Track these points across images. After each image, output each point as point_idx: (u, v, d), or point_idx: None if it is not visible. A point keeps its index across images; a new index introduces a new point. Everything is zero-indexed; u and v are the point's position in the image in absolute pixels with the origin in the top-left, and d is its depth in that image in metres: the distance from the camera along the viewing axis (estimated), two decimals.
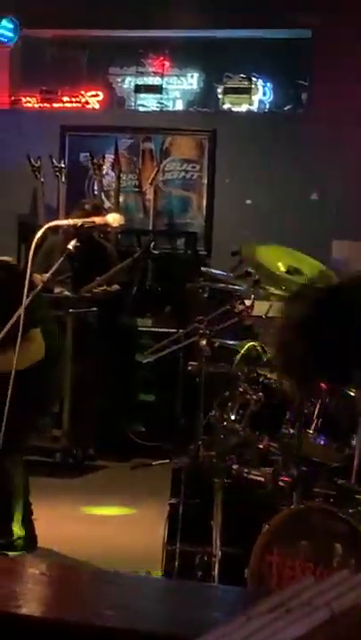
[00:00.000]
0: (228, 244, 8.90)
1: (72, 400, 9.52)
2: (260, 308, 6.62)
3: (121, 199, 11.61)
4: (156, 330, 10.11)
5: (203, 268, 8.25)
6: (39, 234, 5.17)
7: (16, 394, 5.09)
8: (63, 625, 1.86)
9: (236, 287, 6.76)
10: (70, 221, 5.65)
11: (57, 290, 9.55)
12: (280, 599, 1.82)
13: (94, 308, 9.89)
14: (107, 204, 11.31)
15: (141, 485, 8.45)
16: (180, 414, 8.75)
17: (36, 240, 5.15)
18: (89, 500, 8.42)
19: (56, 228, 5.49)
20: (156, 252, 11.01)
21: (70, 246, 5.35)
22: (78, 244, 5.41)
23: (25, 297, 4.98)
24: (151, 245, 10.96)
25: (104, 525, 7.99)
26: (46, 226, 5.26)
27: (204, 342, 6.42)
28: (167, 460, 6.65)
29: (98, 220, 5.89)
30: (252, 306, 6.59)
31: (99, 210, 9.62)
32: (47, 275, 5.60)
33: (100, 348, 10.04)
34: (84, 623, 1.81)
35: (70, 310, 9.42)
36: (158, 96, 12.11)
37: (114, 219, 6.03)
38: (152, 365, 9.71)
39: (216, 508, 5.91)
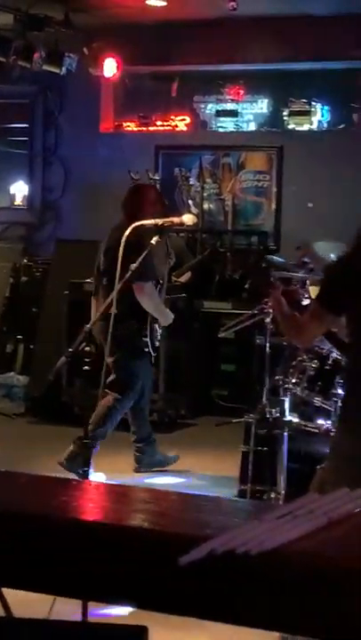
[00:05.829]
0: (293, 241, 8.94)
1: (167, 371, 9.61)
2: (315, 292, 6.62)
3: (205, 205, 11.68)
4: (235, 311, 10.10)
5: (267, 256, 8.25)
6: (127, 231, 5.25)
7: None
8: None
9: (296, 274, 6.77)
10: (152, 221, 5.71)
11: None
12: (289, 508, 1.91)
13: (183, 295, 9.96)
14: (193, 210, 11.41)
15: (223, 438, 8.50)
16: (255, 380, 8.80)
17: (125, 236, 5.24)
18: (183, 450, 8.48)
19: (141, 227, 5.55)
20: (222, 249, 11.12)
21: (153, 241, 5.43)
22: (159, 240, 5.49)
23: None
24: (218, 244, 11.07)
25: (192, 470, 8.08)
26: (133, 225, 5.34)
27: (268, 320, 6.49)
28: (244, 418, 6.72)
29: (175, 219, 5.92)
30: (308, 289, 6.59)
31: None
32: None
33: (189, 328, 10.12)
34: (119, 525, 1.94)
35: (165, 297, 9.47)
36: (235, 119, 12.10)
37: (188, 218, 6.08)
38: (232, 341, 9.81)
39: (280, 455, 5.98)
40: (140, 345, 7.35)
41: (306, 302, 6.98)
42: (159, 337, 7.56)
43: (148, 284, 7.30)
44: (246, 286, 10.35)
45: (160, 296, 7.69)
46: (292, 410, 6.12)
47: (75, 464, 6.87)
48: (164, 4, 10.51)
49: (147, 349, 7.38)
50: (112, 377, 7.27)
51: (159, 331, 7.54)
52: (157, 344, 7.55)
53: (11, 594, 2.53)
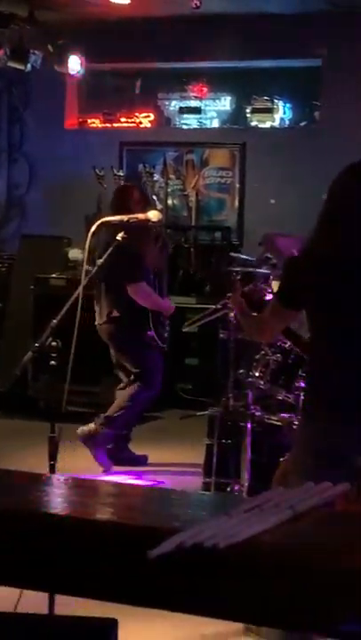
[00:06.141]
0: (256, 236, 8.94)
1: None
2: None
3: (169, 201, 11.68)
4: (199, 306, 10.08)
5: (232, 254, 8.28)
6: (93, 227, 5.25)
7: None
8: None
9: (258, 270, 6.78)
10: (118, 217, 5.72)
11: None
12: (256, 502, 1.93)
13: None
14: (158, 205, 11.39)
15: (188, 431, 8.48)
16: (219, 374, 8.79)
17: (91, 232, 5.24)
18: (149, 443, 8.47)
19: (107, 223, 5.56)
20: (186, 245, 11.17)
21: (119, 237, 5.43)
22: (125, 236, 5.48)
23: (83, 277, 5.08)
24: (182, 240, 11.13)
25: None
26: (99, 221, 5.34)
27: (232, 315, 6.49)
28: (208, 411, 6.71)
29: (141, 215, 5.93)
30: (270, 284, 6.60)
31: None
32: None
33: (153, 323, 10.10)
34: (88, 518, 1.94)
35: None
36: (198, 116, 12.12)
37: (154, 214, 6.08)
38: (196, 335, 9.80)
39: (243, 447, 5.98)
40: (147, 340, 7.49)
41: (268, 298, 7.01)
42: (167, 328, 7.68)
43: (141, 283, 7.37)
44: (207, 288, 10.44)
45: (162, 288, 7.78)
46: (255, 403, 6.12)
47: (90, 441, 7.20)
48: (129, 1, 10.49)
49: (155, 343, 7.49)
50: (132, 377, 7.54)
51: (166, 322, 7.68)
52: (166, 335, 7.66)
53: None
